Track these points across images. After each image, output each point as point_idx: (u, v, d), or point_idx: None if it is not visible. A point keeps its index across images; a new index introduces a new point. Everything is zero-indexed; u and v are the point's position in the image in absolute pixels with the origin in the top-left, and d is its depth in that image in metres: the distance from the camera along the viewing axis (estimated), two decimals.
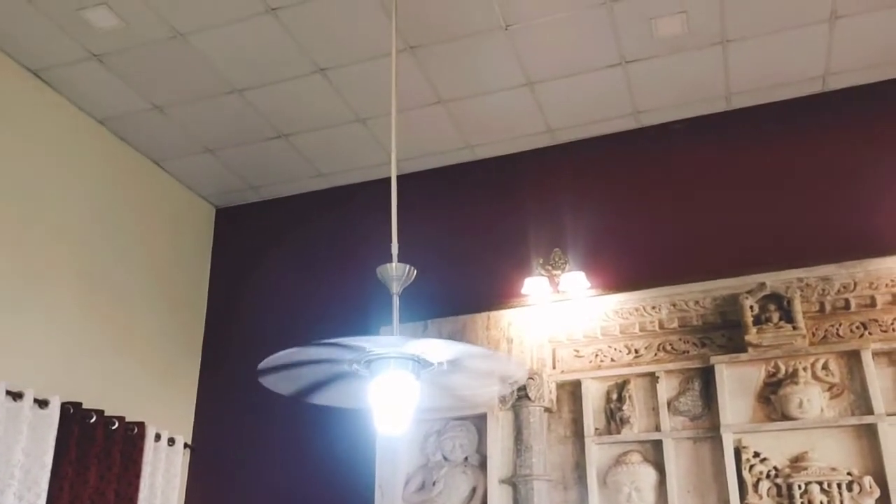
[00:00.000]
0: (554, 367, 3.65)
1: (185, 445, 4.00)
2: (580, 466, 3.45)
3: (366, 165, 4.39)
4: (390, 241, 2.63)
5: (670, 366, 3.46)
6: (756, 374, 3.33)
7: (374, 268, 2.52)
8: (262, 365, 2.23)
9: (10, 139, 3.43)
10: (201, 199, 4.71)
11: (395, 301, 2.49)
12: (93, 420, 3.34)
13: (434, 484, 3.57)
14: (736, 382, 3.34)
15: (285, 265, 4.54)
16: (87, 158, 3.88)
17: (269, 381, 2.34)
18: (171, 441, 3.85)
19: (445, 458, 3.64)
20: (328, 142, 4.18)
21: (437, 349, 2.29)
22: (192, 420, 4.25)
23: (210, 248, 4.73)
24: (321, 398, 2.51)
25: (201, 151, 4.25)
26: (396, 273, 2.48)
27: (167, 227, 4.40)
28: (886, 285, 3.26)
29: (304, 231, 4.58)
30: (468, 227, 4.18)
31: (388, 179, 4.36)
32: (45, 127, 3.64)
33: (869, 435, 3.08)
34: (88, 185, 3.86)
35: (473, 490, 3.54)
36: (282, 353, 2.21)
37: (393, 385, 2.31)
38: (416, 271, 2.49)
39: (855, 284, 3.30)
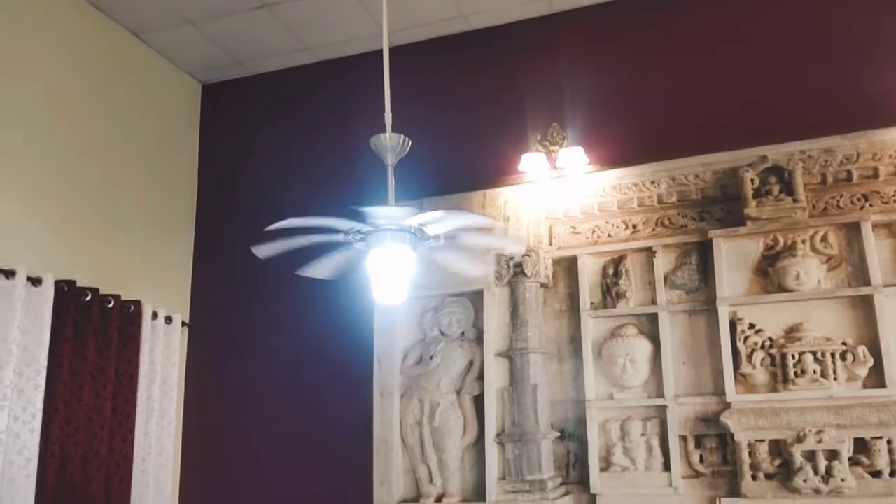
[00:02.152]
0: (550, 244, 3.55)
1: (183, 323, 3.93)
2: (575, 340, 3.41)
3: (353, 37, 4.11)
4: (383, 115, 2.47)
5: (668, 240, 3.37)
6: (754, 248, 3.24)
7: (367, 142, 2.37)
8: (262, 234, 2.13)
9: None
10: (186, 75, 4.44)
11: (390, 172, 2.36)
12: (88, 298, 3.24)
13: (431, 357, 3.54)
14: (734, 256, 3.25)
15: (276, 141, 4.34)
16: (62, 29, 3.58)
17: (264, 251, 2.24)
18: (169, 319, 3.78)
19: (442, 333, 3.60)
20: (313, 10, 3.88)
21: (436, 220, 2.17)
22: (189, 298, 4.17)
23: (198, 125, 4.50)
24: (317, 271, 2.41)
25: (182, 23, 3.95)
26: (391, 143, 2.34)
27: (153, 104, 4.16)
28: (890, 156, 3.12)
29: (294, 107, 4.35)
30: (463, 103, 3.97)
31: (377, 53, 4.11)
32: None
33: (865, 306, 3.04)
34: (67, 58, 3.58)
35: (470, 363, 3.51)
36: (281, 223, 2.09)
37: (391, 256, 2.21)
38: (410, 142, 2.34)
39: (858, 155, 3.16)
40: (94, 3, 3.76)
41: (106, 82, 3.82)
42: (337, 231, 2.24)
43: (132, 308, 3.52)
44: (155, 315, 3.67)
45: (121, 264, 3.66)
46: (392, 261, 2.22)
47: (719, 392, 3.12)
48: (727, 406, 3.08)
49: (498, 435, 3.34)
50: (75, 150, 3.55)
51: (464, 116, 3.93)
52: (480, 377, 3.45)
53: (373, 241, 2.21)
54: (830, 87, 3.35)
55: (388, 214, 2.14)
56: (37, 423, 2.86)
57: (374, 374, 3.60)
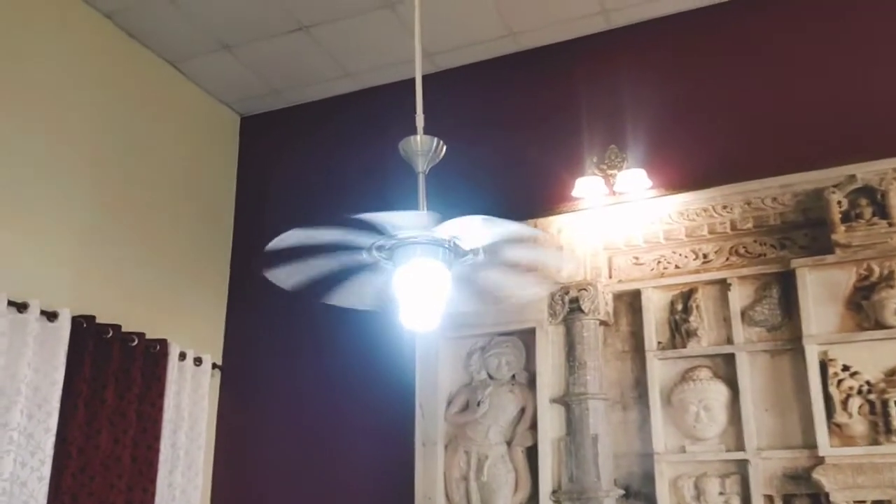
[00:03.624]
0: (610, 277, 3.30)
1: (214, 365, 3.79)
2: (641, 384, 3.13)
3: (397, 61, 3.99)
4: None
5: (744, 271, 3.08)
6: (845, 278, 2.92)
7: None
8: (268, 248, 1.96)
9: (5, 37, 3.13)
10: (224, 107, 4.40)
11: (421, 181, 2.16)
12: (109, 335, 3.12)
13: (479, 404, 3.29)
14: (821, 288, 2.94)
15: (316, 176, 4.23)
16: (95, 60, 3.56)
17: (276, 275, 2.06)
18: (198, 360, 3.64)
19: (490, 377, 3.36)
20: (353, 34, 3.79)
21: (471, 230, 1.95)
22: (222, 338, 4.03)
23: (236, 159, 4.44)
24: (344, 298, 2.21)
25: (218, 48, 3.91)
26: (422, 147, 2.16)
27: (190, 135, 4.12)
28: None
29: (334, 138, 4.24)
30: (512, 127, 3.80)
31: (426, 78, 3.99)
32: (45, 22, 3.32)
33: None
34: (98, 86, 3.56)
35: (522, 411, 3.25)
36: (290, 233, 1.92)
37: (420, 275, 2.01)
38: (444, 146, 2.16)
39: None
40: (128, 32, 3.75)
41: (140, 112, 3.79)
42: (359, 249, 2.05)
43: (157, 347, 3.39)
44: (183, 356, 3.53)
45: (147, 301, 3.55)
46: (422, 280, 2.01)
47: (810, 444, 2.79)
48: (820, 461, 2.75)
49: (554, 492, 3.06)
50: (103, 182, 3.49)
51: (513, 141, 3.75)
52: (533, 426, 3.19)
53: (399, 256, 2.02)
54: None
55: (408, 223, 1.93)
56: (46, 470, 2.71)
57: (416, 421, 3.37)
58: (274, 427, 3.80)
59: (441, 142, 2.18)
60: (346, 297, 2.22)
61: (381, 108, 4.16)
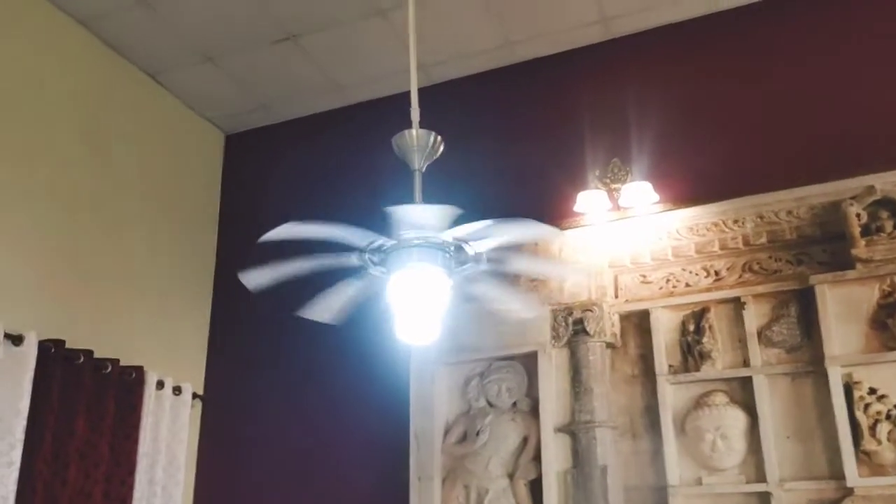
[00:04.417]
0: (616, 296, 3.17)
1: (195, 395, 3.62)
2: (651, 410, 2.97)
3: (390, 72, 3.88)
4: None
5: (759, 289, 2.95)
6: (868, 295, 2.80)
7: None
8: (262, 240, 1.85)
9: None
10: (208, 124, 4.28)
11: (417, 179, 2.05)
12: (80, 361, 2.96)
13: (478, 434, 3.14)
14: (842, 305, 2.81)
15: (304, 196, 4.09)
16: (68, 66, 3.44)
17: (254, 280, 1.94)
18: (177, 390, 3.47)
19: (491, 405, 3.21)
20: (344, 43, 3.69)
21: (482, 233, 1.84)
22: (203, 366, 3.86)
23: (219, 178, 4.31)
24: (322, 311, 2.08)
25: (201, 61, 3.80)
26: (418, 142, 2.05)
27: (171, 152, 4.00)
28: None
29: (324, 157, 4.11)
30: (509, 141, 3.69)
31: (420, 91, 3.88)
32: (12, 27, 3.20)
33: None
34: (72, 97, 3.43)
35: (525, 440, 3.10)
36: (284, 227, 1.81)
37: (417, 282, 1.89)
38: (442, 142, 2.04)
39: None
40: (105, 41, 3.63)
41: (117, 126, 3.66)
42: (350, 249, 1.93)
43: (133, 375, 3.23)
44: (161, 384, 3.37)
45: (122, 325, 3.39)
46: (419, 288, 1.89)
47: (837, 475, 2.64)
48: (848, 492, 2.60)
49: None
50: (76, 198, 3.35)
51: (511, 155, 3.65)
52: (537, 457, 3.03)
53: (394, 261, 1.89)
54: None
55: (414, 218, 1.81)
56: None
57: (411, 453, 3.21)
58: (259, 462, 3.62)
59: (438, 137, 2.08)
60: (321, 309, 2.09)
61: (374, 123, 4.03)
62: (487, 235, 1.96)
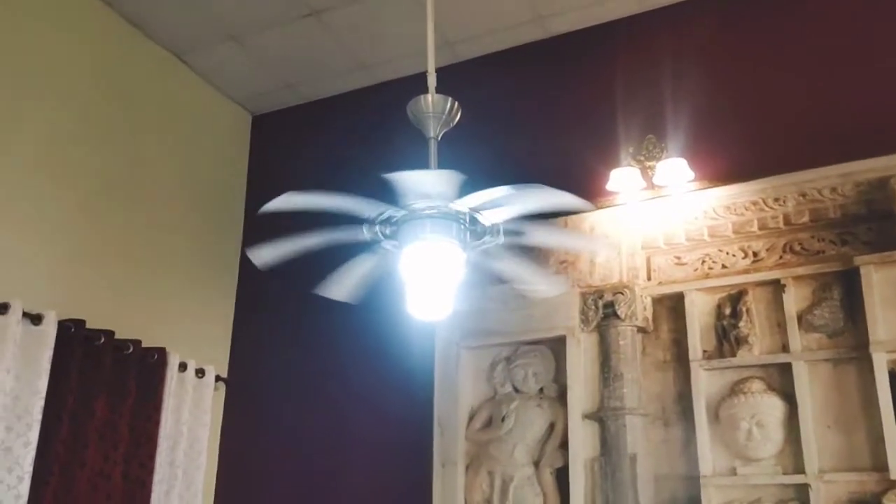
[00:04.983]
0: (649, 279, 3.08)
1: (218, 378, 3.63)
2: (684, 397, 2.89)
3: (414, 50, 3.81)
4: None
5: (800, 270, 2.84)
6: None
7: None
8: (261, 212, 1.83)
9: None
10: (234, 104, 4.29)
11: (433, 147, 2.01)
12: (100, 342, 2.98)
13: (503, 420, 3.09)
14: (889, 288, 2.70)
15: (331, 177, 4.01)
16: (93, 47, 3.47)
17: (264, 257, 1.92)
18: (201, 372, 3.49)
19: (516, 390, 3.16)
20: (369, 19, 3.65)
21: (500, 202, 1.78)
22: (228, 349, 3.88)
23: (247, 159, 4.32)
24: (339, 289, 2.05)
25: (224, 39, 3.80)
26: (434, 108, 2.00)
27: (197, 132, 4.01)
28: None
29: (350, 138, 4.08)
30: (540, 118, 3.62)
31: (446, 69, 3.83)
32: (38, 8, 3.23)
33: None
34: (96, 77, 3.46)
35: (551, 426, 3.05)
36: (284, 197, 1.79)
37: (430, 256, 1.85)
38: (460, 109, 1.99)
39: None
40: (129, 20, 3.65)
41: (143, 108, 3.69)
42: (359, 222, 1.90)
43: (156, 357, 3.25)
44: (183, 366, 3.39)
45: (145, 306, 3.42)
46: (431, 262, 1.85)
47: (880, 466, 2.53)
48: (892, 485, 2.49)
49: None
50: (100, 177, 3.38)
51: (541, 133, 3.58)
52: (564, 445, 2.97)
53: (405, 233, 1.85)
54: None
55: (419, 185, 1.76)
56: (24, 489, 2.57)
57: (434, 439, 3.19)
58: (282, 445, 3.62)
59: (456, 103, 2.02)
60: (338, 287, 2.06)
61: (401, 102, 3.99)
62: (504, 204, 1.90)
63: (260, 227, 4.06)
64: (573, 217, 3.23)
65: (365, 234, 1.91)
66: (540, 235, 2.04)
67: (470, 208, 1.83)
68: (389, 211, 1.85)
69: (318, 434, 3.55)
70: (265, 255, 1.98)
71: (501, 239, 1.93)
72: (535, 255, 2.45)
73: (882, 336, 2.64)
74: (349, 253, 2.09)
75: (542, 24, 3.69)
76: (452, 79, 3.59)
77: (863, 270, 2.72)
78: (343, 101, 4.17)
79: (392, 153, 3.81)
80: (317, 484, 3.48)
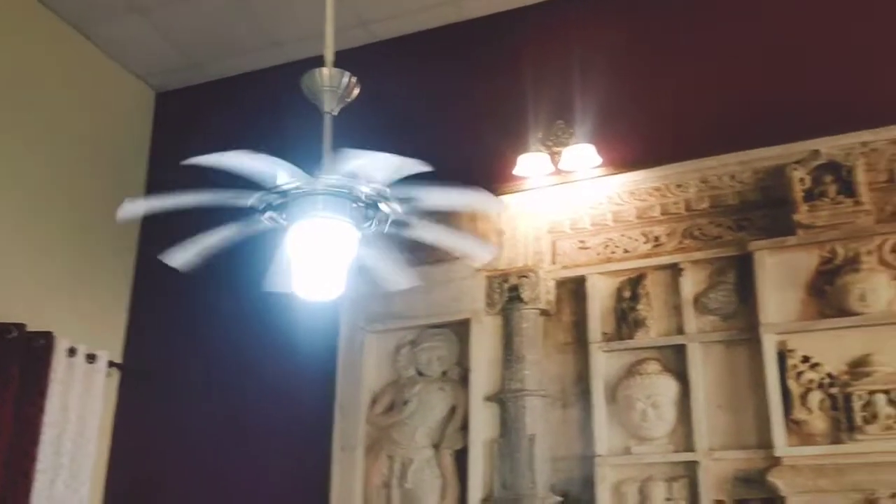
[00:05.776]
0: (553, 262, 3.18)
1: (111, 364, 3.58)
2: (583, 379, 3.00)
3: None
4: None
5: (698, 255, 2.98)
6: (807, 262, 2.84)
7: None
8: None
9: None
10: (138, 81, 4.23)
11: (327, 122, 2.03)
12: None
13: (406, 403, 3.14)
14: (781, 272, 2.85)
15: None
16: None
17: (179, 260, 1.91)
18: (91, 357, 3.44)
19: (420, 373, 3.22)
20: None
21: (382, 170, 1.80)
22: (123, 334, 3.83)
23: (149, 137, 4.27)
24: (182, 255, 2.06)
25: (128, 11, 3.74)
26: (330, 82, 2.02)
27: (96, 108, 3.95)
28: None
29: (259, 116, 4.07)
30: (451, 101, 3.68)
31: (362, 48, 3.85)
32: None
33: None
34: None
35: (453, 409, 3.11)
36: (142, 201, 1.79)
37: (318, 235, 1.87)
38: (357, 84, 2.02)
39: None
40: None
41: (39, 81, 3.61)
42: (245, 209, 1.91)
43: (42, 341, 3.18)
44: (72, 351, 3.33)
45: (31, 287, 3.35)
46: (319, 239, 1.87)
47: (766, 444, 2.68)
48: (776, 462, 2.64)
49: (484, 500, 2.92)
50: None
51: (452, 115, 3.64)
52: (465, 427, 3.04)
53: (295, 210, 1.87)
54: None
55: (368, 166, 1.77)
56: None
57: (335, 423, 3.22)
58: (179, 431, 3.59)
59: (353, 78, 2.05)
60: (184, 253, 2.06)
61: None
62: (418, 196, 1.94)
63: (162, 215, 4.04)
64: None
65: (265, 222, 1.91)
66: (434, 198, 2.05)
67: (374, 191, 1.83)
68: (269, 196, 1.85)
69: (217, 419, 3.53)
70: (176, 258, 1.98)
71: (397, 208, 1.94)
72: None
73: (772, 318, 2.79)
74: (255, 240, 2.10)
75: (457, 6, 3.76)
76: (366, 58, 3.65)
77: (757, 255, 2.87)
78: (252, 79, 4.16)
79: (304, 134, 3.84)
80: (213, 469, 3.46)
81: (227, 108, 4.15)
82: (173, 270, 3.75)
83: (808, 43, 3.14)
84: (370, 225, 1.94)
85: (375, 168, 1.77)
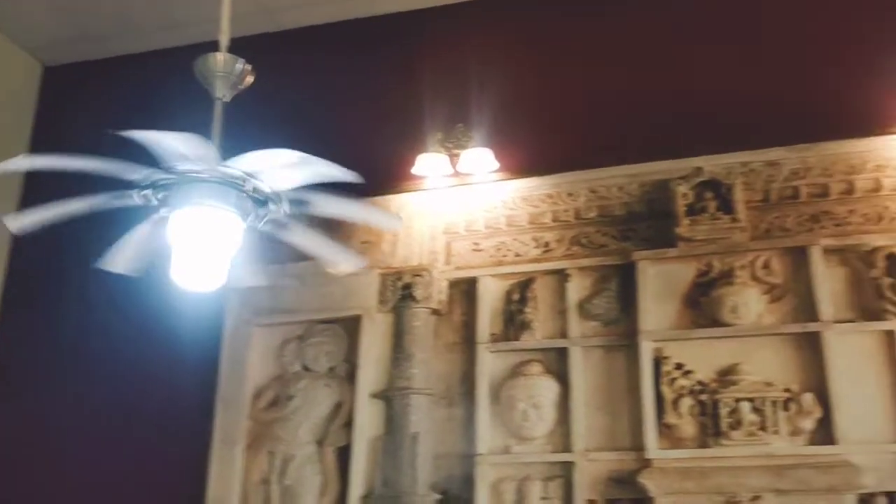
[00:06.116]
0: (447, 263, 3.25)
1: None
2: (469, 378, 3.07)
3: (235, 12, 3.79)
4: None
5: (584, 262, 3.11)
6: (685, 274, 3.00)
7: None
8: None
9: None
10: (25, 53, 4.06)
11: (218, 109, 2.02)
12: None
13: (290, 399, 3.14)
14: (661, 282, 3.00)
15: (121, 137, 3.95)
16: None
17: (19, 223, 1.85)
18: None
19: (306, 369, 3.22)
20: None
21: (279, 167, 1.80)
22: None
23: (33, 112, 4.10)
24: (117, 261, 2.02)
25: None
26: (223, 67, 2.01)
27: None
28: (843, 172, 2.96)
29: (152, 99, 3.98)
30: (352, 95, 3.70)
31: (264, 36, 3.80)
32: None
33: (812, 345, 2.80)
34: None
35: (338, 406, 3.13)
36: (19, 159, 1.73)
37: (200, 222, 1.86)
38: (252, 72, 2.02)
39: (807, 171, 2.99)
40: None
41: None
42: (127, 186, 1.87)
43: None
44: None
45: None
46: (201, 229, 1.86)
47: (639, 446, 2.81)
48: (647, 464, 2.77)
49: (365, 497, 2.94)
50: None
51: (353, 110, 3.66)
52: (349, 424, 3.06)
53: (176, 198, 1.85)
54: (777, 93, 3.18)
55: (192, 151, 1.76)
56: None
57: (216, 417, 3.18)
58: (54, 424, 3.46)
59: (248, 66, 2.05)
60: (116, 259, 2.02)
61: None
62: (310, 202, 1.94)
63: (40, 189, 3.89)
64: (379, 198, 3.34)
65: (136, 199, 1.88)
66: (329, 206, 2.06)
67: (248, 173, 1.83)
68: (159, 174, 1.82)
69: (93, 411, 3.43)
70: (22, 220, 1.91)
71: (284, 207, 1.95)
72: (338, 232, 2.50)
73: (650, 326, 2.93)
74: (129, 222, 2.06)
75: (368, 2, 3.77)
76: (270, 47, 3.62)
77: (639, 265, 3.01)
78: (146, 59, 4.05)
79: (196, 119, 3.78)
80: (89, 462, 3.35)
81: (118, 86, 4.03)
82: (50, 261, 3.67)
83: (696, 64, 3.31)
84: (249, 219, 1.93)
85: (294, 169, 1.77)
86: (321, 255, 2.29)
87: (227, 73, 2.03)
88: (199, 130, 3.70)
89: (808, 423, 2.72)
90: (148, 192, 1.87)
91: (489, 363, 3.06)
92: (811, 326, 2.81)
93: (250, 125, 2.45)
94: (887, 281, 2.80)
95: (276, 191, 1.94)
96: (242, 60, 2.11)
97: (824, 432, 2.69)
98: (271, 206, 1.98)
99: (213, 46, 3.91)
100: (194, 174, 1.83)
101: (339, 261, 2.39)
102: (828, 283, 2.85)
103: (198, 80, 2.11)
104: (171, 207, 1.90)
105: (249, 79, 2.13)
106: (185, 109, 3.80)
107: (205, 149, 1.72)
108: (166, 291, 3.01)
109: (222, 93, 2.05)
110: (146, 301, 3.31)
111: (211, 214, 1.88)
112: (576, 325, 3.03)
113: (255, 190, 1.91)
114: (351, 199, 2.07)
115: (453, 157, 3.38)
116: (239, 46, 3.82)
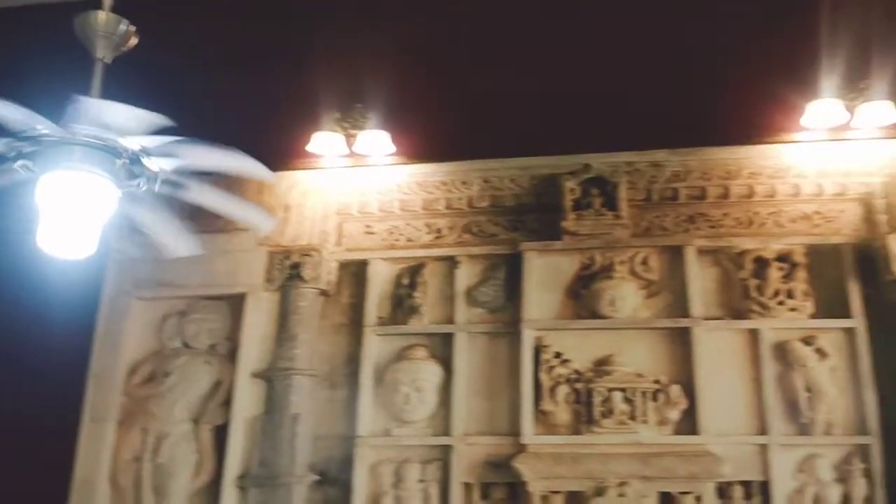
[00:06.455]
0: (338, 244, 3.26)
1: None
2: (354, 361, 3.11)
3: None
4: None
5: (474, 250, 3.19)
6: (569, 266, 3.14)
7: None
8: None
9: None
10: None
11: (98, 70, 1.95)
12: None
13: (167, 375, 3.08)
14: (546, 273, 3.12)
15: None
16: None
17: None
18: None
19: (186, 345, 3.17)
20: None
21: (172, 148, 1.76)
22: None
23: None
24: None
25: None
26: (106, 26, 1.94)
27: None
28: (720, 177, 3.14)
29: (31, 58, 3.77)
30: (242, 68, 3.59)
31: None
32: None
33: (682, 340, 2.98)
34: None
35: (217, 384, 3.09)
36: None
37: (71, 187, 1.80)
38: (135, 33, 1.96)
39: (687, 173, 3.15)
40: None
41: None
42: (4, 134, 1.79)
43: None
44: None
45: None
46: (74, 194, 1.80)
47: (515, 432, 2.91)
48: (522, 449, 2.88)
49: (240, 477, 2.93)
50: None
51: (241, 82, 3.55)
52: (228, 403, 3.03)
53: (48, 159, 1.78)
54: (664, 98, 3.32)
55: (104, 117, 1.70)
56: None
57: (87, 392, 3.08)
58: None
59: (132, 27, 1.98)
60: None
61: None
62: (179, 154, 1.89)
63: None
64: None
65: (19, 171, 1.79)
66: (203, 194, 2.01)
67: (139, 147, 1.78)
68: (43, 130, 1.74)
69: None
70: None
71: (159, 183, 1.89)
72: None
73: (533, 315, 3.04)
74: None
75: None
76: (155, 10, 3.48)
77: (526, 255, 3.11)
78: (24, 13, 3.84)
79: (74, 79, 3.61)
80: None
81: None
82: None
83: (590, 65, 3.41)
84: (139, 184, 1.88)
85: (118, 119, 1.72)
86: (232, 214, 2.22)
87: (109, 34, 1.96)
88: (79, 91, 3.57)
89: (675, 414, 2.89)
90: (23, 162, 1.79)
91: (375, 346, 3.10)
92: (682, 322, 2.98)
93: (131, 91, 2.38)
94: (754, 282, 3.00)
95: (134, 145, 1.86)
96: (126, 21, 2.04)
97: (689, 423, 2.87)
98: (145, 164, 1.91)
99: (96, 3, 3.80)
100: (47, 137, 1.75)
101: (253, 220, 2.29)
102: (700, 281, 3.03)
103: (77, 38, 2.03)
104: (41, 167, 1.82)
105: (133, 41, 2.06)
106: (61, 68, 3.68)
107: (136, 124, 1.67)
108: (41, 258, 2.95)
109: (103, 53, 1.98)
110: (18, 268, 3.17)
111: (76, 178, 1.82)
112: (463, 312, 3.10)
113: (113, 146, 1.83)
114: (216, 147, 1.99)
115: (349, 138, 3.37)
116: (128, 5, 3.73)
